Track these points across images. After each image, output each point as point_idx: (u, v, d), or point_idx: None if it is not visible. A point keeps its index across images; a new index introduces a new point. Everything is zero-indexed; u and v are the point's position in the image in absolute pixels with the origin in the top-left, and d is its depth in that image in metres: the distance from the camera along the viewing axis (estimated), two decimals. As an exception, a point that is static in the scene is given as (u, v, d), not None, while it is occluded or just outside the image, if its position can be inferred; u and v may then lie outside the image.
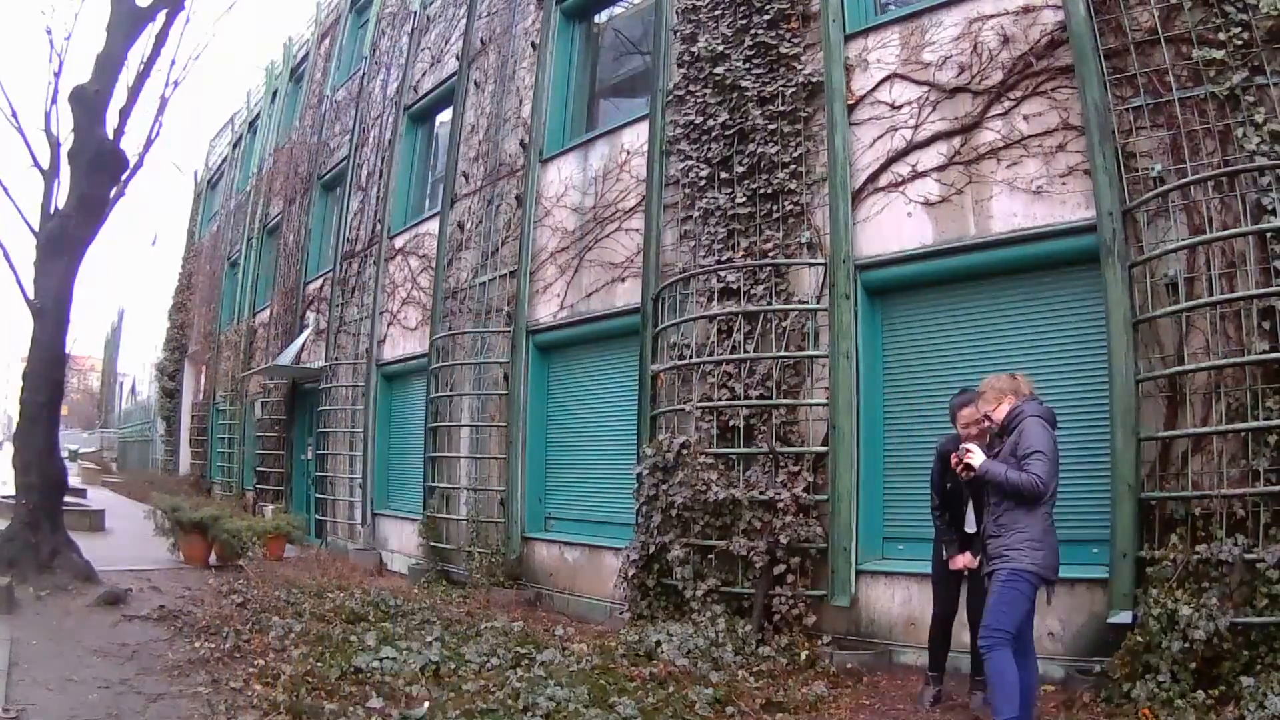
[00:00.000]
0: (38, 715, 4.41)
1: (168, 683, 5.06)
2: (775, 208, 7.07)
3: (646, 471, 7.14)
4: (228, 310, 20.85)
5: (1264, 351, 4.71)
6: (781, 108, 7.12)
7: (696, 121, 7.65)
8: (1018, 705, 4.01)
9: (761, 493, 6.51)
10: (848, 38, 6.94)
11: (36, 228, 8.83)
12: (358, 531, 12.57)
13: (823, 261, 6.72)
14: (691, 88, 7.78)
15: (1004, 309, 6.10)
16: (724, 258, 7.25)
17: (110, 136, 8.77)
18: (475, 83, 11.29)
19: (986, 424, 4.60)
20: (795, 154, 7.02)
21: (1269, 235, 4.79)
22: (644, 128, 8.41)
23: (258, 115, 21.63)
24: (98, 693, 4.81)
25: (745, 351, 6.93)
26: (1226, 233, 4.91)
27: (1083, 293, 5.62)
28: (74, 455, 30.44)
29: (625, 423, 8.18)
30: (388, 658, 5.53)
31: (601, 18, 10.37)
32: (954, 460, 4.48)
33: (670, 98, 8.06)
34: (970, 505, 4.99)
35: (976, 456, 4.32)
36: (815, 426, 6.63)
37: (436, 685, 5.15)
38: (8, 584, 6.97)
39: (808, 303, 6.78)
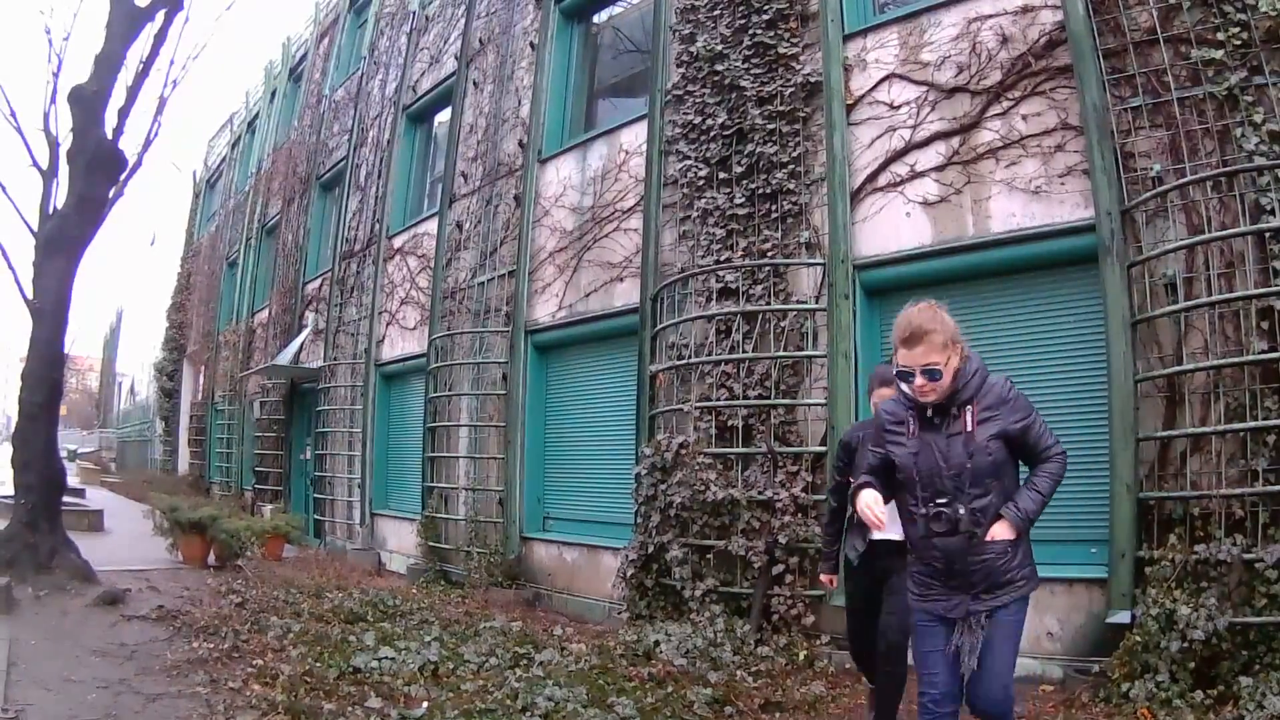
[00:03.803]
0: (36, 715, 4.41)
1: (166, 683, 5.06)
2: (774, 208, 7.07)
3: (645, 471, 7.14)
4: (226, 310, 20.84)
5: (1262, 351, 4.72)
6: (780, 107, 7.12)
7: (695, 121, 7.65)
8: None
9: (760, 493, 6.51)
10: (846, 38, 6.94)
11: (35, 228, 8.82)
12: (356, 531, 12.56)
13: (821, 261, 6.72)
14: (690, 88, 7.78)
15: (1002, 309, 6.09)
16: (722, 258, 7.25)
17: (109, 136, 8.76)
18: (474, 82, 11.28)
19: (928, 387, 3.02)
20: (794, 154, 7.02)
21: (1267, 235, 4.80)
22: (642, 127, 8.41)
23: (256, 115, 21.62)
24: (96, 693, 4.80)
25: (744, 351, 6.93)
26: (1225, 233, 4.92)
27: (1081, 293, 5.62)
28: (73, 455, 30.42)
29: (624, 423, 8.17)
30: (386, 658, 5.53)
31: (600, 17, 10.37)
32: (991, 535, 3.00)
33: (669, 98, 8.05)
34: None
35: (1005, 529, 3.00)
36: (814, 426, 6.63)
37: (435, 685, 5.15)
38: (6, 584, 6.96)
39: (806, 303, 6.78)
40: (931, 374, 3.00)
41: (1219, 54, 5.01)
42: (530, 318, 9.50)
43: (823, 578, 4.60)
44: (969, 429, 3.04)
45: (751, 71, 7.32)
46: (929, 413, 3.08)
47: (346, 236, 14.05)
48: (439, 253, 11.20)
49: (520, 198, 9.81)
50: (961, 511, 2.99)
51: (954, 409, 3.06)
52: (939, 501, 3.03)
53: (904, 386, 3.11)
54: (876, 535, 4.08)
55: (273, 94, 20.35)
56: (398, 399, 12.54)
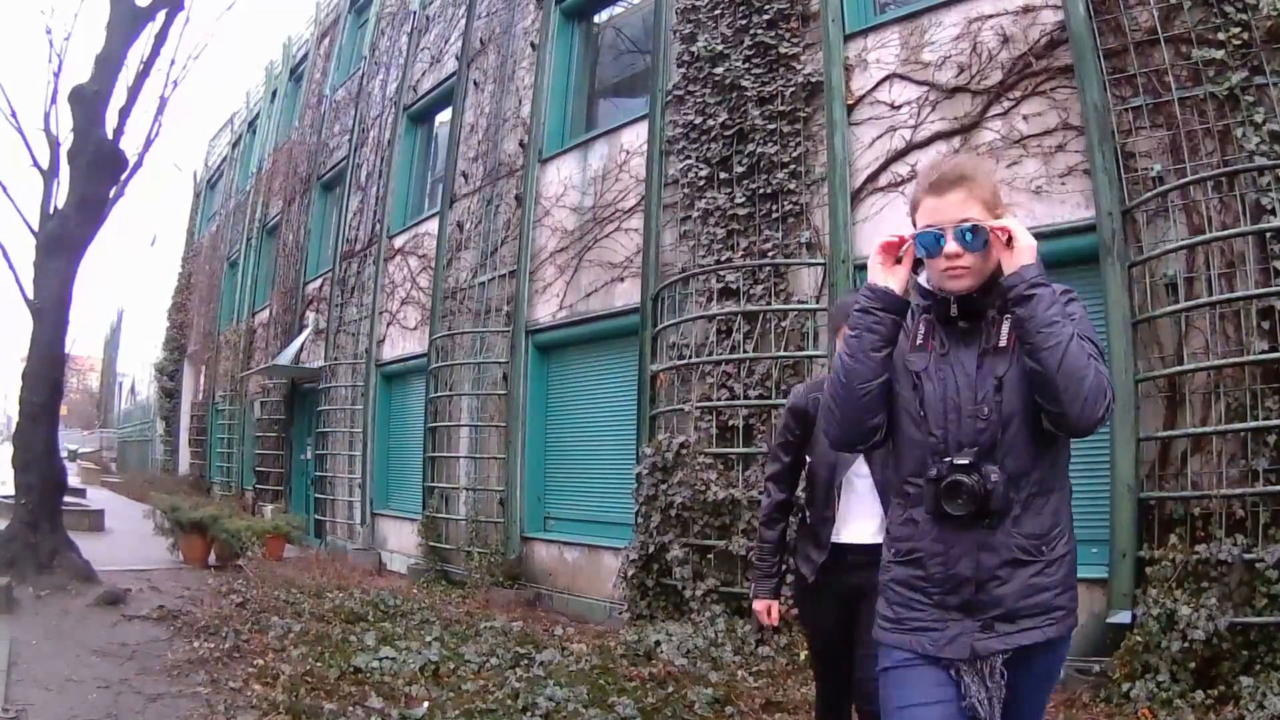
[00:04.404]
0: (37, 715, 4.41)
1: (167, 683, 5.06)
2: (774, 208, 7.07)
3: (646, 471, 7.14)
4: (227, 310, 20.85)
5: (1263, 351, 4.71)
6: (781, 108, 7.12)
7: (696, 121, 7.65)
8: None
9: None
10: (847, 38, 6.94)
11: (36, 228, 8.83)
12: (357, 531, 12.57)
13: (822, 261, 6.72)
14: (691, 88, 7.78)
15: (1003, 309, 6.09)
16: (723, 258, 7.25)
17: (110, 136, 8.77)
18: (474, 82, 11.29)
19: (964, 261, 1.92)
20: (794, 154, 7.02)
21: (1268, 235, 4.79)
22: (643, 127, 8.41)
23: (257, 115, 21.62)
24: (97, 693, 4.81)
25: (744, 351, 6.93)
26: (1226, 233, 4.91)
27: (1082, 292, 5.50)
28: (73, 455, 30.43)
29: (624, 422, 8.18)
30: (387, 657, 5.53)
31: (601, 17, 10.37)
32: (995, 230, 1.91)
33: (669, 98, 8.06)
34: (859, 486, 3.04)
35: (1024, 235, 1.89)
36: (815, 426, 6.63)
37: (436, 685, 5.15)
38: (7, 584, 6.97)
39: (807, 303, 6.78)
40: (970, 239, 1.89)
41: (1220, 54, 5.00)
42: (531, 317, 9.50)
43: (756, 606, 3.23)
44: (1006, 343, 1.93)
45: (752, 71, 7.32)
46: (954, 311, 1.97)
47: (347, 236, 14.05)
48: (440, 253, 11.20)
49: (521, 198, 9.81)
50: (995, 478, 1.88)
51: (992, 312, 1.96)
52: (959, 463, 1.90)
53: (922, 276, 2.04)
54: (844, 538, 2.98)
55: (273, 94, 20.35)
56: (398, 399, 12.54)
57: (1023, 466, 1.92)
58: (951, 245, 1.90)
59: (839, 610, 3.03)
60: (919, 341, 2.02)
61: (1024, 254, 1.88)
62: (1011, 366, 1.91)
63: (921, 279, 2.05)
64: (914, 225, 1.99)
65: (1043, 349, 1.81)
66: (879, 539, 2.54)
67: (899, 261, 2.00)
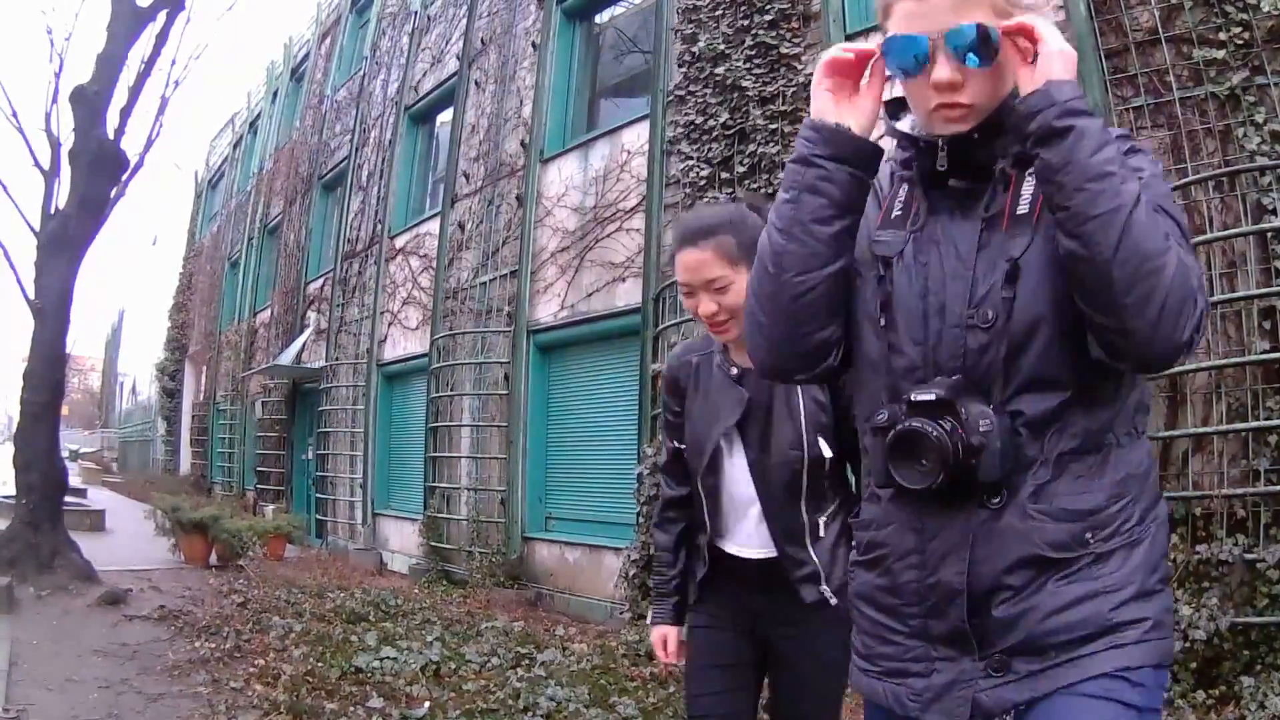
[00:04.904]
0: (38, 715, 4.41)
1: (168, 683, 5.06)
2: (776, 208, 7.06)
3: (647, 471, 7.13)
4: (228, 310, 20.87)
5: (1264, 351, 4.71)
6: (782, 108, 7.12)
7: (697, 121, 7.65)
8: None
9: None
10: (848, 38, 6.94)
11: (37, 228, 8.83)
12: (358, 531, 12.57)
13: (823, 261, 6.71)
14: (692, 88, 7.78)
15: (1004, 309, 6.08)
16: (724, 258, 7.24)
17: (111, 136, 8.77)
18: (476, 83, 11.29)
19: (961, 96, 1.21)
20: (796, 154, 7.02)
21: (1269, 235, 4.79)
22: (644, 127, 8.41)
23: (258, 115, 21.64)
24: (98, 692, 4.81)
25: (745, 351, 6.93)
26: (1227, 232, 4.91)
27: (1083, 293, 5.60)
28: (74, 455, 30.43)
29: (625, 422, 8.17)
30: (388, 657, 5.53)
31: (602, 17, 10.37)
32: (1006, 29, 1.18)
33: (671, 98, 8.05)
34: (736, 475, 2.06)
35: (1054, 37, 1.15)
36: (815, 426, 6.62)
37: (437, 685, 5.15)
38: (8, 583, 6.97)
39: (808, 303, 6.78)
40: (971, 51, 1.17)
41: (1221, 54, 5.00)
42: (532, 318, 9.50)
43: (654, 635, 2.24)
44: (1029, 209, 1.21)
45: (753, 72, 7.32)
46: (941, 164, 1.26)
47: (348, 236, 14.06)
48: (441, 253, 11.21)
49: (522, 198, 9.82)
50: (987, 425, 1.16)
51: (1004, 163, 1.24)
52: (920, 399, 1.20)
53: (905, 121, 1.33)
54: (732, 547, 2.09)
55: (274, 94, 20.37)
56: (400, 399, 12.55)
57: (1053, 405, 1.19)
58: (943, 68, 1.18)
59: (745, 648, 2.11)
60: (895, 213, 1.31)
61: (1054, 63, 1.14)
62: (1035, 244, 1.19)
63: (904, 124, 1.32)
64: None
65: (1088, 216, 1.08)
66: (764, 551, 2.01)
67: (859, 89, 1.29)
